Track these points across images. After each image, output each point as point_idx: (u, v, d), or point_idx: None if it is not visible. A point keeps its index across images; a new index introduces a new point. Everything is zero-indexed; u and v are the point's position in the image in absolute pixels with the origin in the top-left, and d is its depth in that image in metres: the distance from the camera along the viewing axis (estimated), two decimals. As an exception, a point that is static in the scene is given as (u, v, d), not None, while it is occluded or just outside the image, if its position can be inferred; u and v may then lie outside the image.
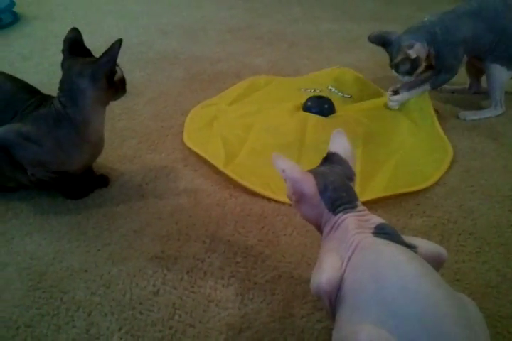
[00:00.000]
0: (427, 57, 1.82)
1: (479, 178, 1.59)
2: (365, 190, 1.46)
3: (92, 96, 1.28)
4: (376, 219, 0.97)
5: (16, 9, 2.92)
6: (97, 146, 1.40)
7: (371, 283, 0.82)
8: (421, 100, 1.91)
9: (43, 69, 2.24)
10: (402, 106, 1.88)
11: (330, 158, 1.04)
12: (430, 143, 1.73)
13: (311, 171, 1.00)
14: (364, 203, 1.02)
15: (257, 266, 1.23)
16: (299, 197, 0.99)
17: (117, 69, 1.30)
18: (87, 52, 1.34)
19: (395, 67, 1.82)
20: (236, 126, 1.78)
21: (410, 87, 1.89)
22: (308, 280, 1.17)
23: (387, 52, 1.85)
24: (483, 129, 1.86)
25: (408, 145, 1.70)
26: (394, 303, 0.77)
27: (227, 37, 2.76)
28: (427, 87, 1.89)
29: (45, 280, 1.18)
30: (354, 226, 0.94)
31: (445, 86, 2.11)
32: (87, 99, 1.27)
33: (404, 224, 1.39)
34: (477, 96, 2.08)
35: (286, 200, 1.43)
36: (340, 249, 0.93)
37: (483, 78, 1.98)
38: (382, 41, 1.84)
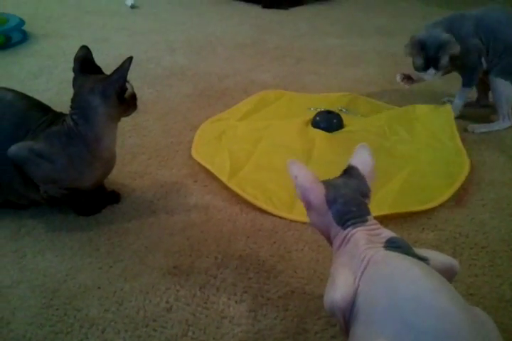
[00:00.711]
0: None
1: (489, 192, 1.59)
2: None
3: (104, 113, 1.29)
4: (387, 233, 0.97)
5: (25, 28, 2.95)
6: (109, 163, 1.41)
7: (386, 298, 0.81)
8: (443, 113, 1.90)
9: (52, 87, 2.26)
10: (424, 118, 1.89)
11: (349, 171, 1.03)
12: (447, 157, 1.71)
13: (324, 182, 1.00)
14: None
15: (269, 282, 1.23)
16: (307, 205, 1.00)
17: (128, 85, 1.32)
18: (98, 70, 1.36)
19: (435, 62, 1.83)
20: (244, 141, 1.79)
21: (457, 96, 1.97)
22: (321, 296, 1.17)
23: (422, 54, 1.84)
24: (492, 142, 1.87)
25: (423, 158, 1.69)
26: (410, 319, 0.76)
27: (234, 53, 2.78)
28: (467, 88, 1.95)
29: (58, 298, 1.18)
30: (364, 242, 0.93)
31: (453, 99, 2.12)
32: (98, 116, 1.28)
33: (416, 238, 1.38)
34: (485, 110, 2.09)
35: (288, 216, 1.45)
36: (352, 264, 0.92)
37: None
38: (419, 46, 1.84)
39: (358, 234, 0.95)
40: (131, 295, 1.19)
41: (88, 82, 1.29)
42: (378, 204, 1.47)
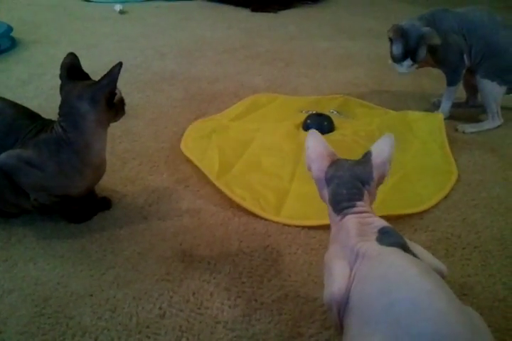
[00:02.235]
0: None
1: (481, 191, 1.59)
2: None
3: (93, 119, 1.27)
4: (379, 223, 0.97)
5: (13, 34, 2.94)
6: (99, 170, 1.40)
7: (381, 298, 0.80)
8: (434, 121, 1.90)
9: (42, 94, 2.25)
10: (414, 125, 1.90)
11: (364, 155, 1.04)
12: (435, 166, 1.70)
13: (334, 160, 1.03)
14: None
15: (263, 286, 1.23)
16: (312, 174, 1.04)
17: (116, 90, 1.31)
18: (85, 76, 1.34)
19: (413, 53, 1.84)
20: (234, 141, 1.80)
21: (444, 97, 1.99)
22: (315, 299, 1.18)
23: (401, 42, 1.84)
24: (483, 142, 1.88)
25: (411, 165, 1.68)
26: (405, 321, 0.75)
27: (224, 57, 2.78)
28: (452, 87, 1.96)
29: (50, 306, 1.17)
30: (356, 232, 0.94)
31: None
32: (87, 122, 1.27)
33: (409, 239, 1.36)
34: (475, 110, 2.10)
35: (275, 219, 1.45)
36: (345, 254, 0.93)
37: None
38: (401, 33, 1.84)
39: (350, 221, 0.96)
40: (124, 302, 1.18)
41: (76, 88, 1.28)
42: None
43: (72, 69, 1.32)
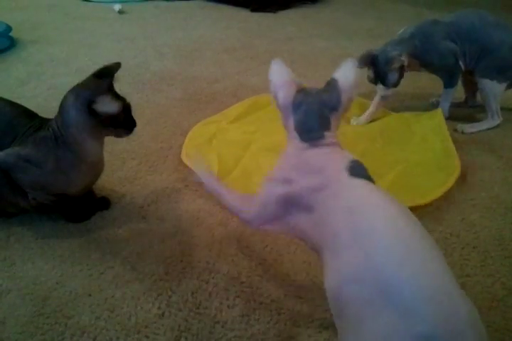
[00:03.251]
0: (410, 67, 1.89)
1: (480, 191, 1.59)
2: None
3: (74, 117, 1.25)
4: (347, 154, 0.99)
5: (12, 34, 2.94)
6: (96, 168, 1.40)
7: (348, 230, 0.84)
8: (434, 117, 1.92)
9: (40, 93, 2.25)
10: (415, 122, 1.91)
11: (329, 83, 1.04)
12: (437, 161, 1.70)
13: (300, 87, 1.04)
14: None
15: (261, 286, 1.23)
16: (277, 103, 1.05)
17: (105, 102, 1.24)
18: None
19: (383, 79, 1.87)
20: (233, 145, 1.79)
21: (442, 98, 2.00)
22: (313, 299, 1.18)
23: (372, 68, 1.89)
24: (482, 142, 1.88)
25: (413, 161, 1.69)
26: (370, 241, 0.79)
27: (223, 57, 2.78)
28: (449, 89, 1.97)
29: (48, 306, 1.17)
30: (325, 163, 0.97)
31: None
32: (70, 117, 1.25)
33: (408, 239, 1.38)
34: (474, 110, 2.11)
35: None
36: (291, 181, 0.98)
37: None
38: (369, 60, 1.88)
39: (320, 153, 0.98)
40: (123, 301, 1.18)
41: (83, 83, 1.28)
42: None
43: (105, 74, 1.29)
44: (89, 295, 1.20)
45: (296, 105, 1.01)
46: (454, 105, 2.11)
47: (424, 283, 0.73)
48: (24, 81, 2.40)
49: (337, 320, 0.83)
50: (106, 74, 1.28)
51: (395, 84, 1.88)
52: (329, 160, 0.98)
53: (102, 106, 1.23)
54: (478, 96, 2.03)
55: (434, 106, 2.10)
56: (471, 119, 2.03)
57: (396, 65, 1.82)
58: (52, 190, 1.35)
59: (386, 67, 1.83)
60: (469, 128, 1.95)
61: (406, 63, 1.84)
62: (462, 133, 1.94)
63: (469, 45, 1.85)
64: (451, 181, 1.58)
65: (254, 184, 1.57)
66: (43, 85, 2.34)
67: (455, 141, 1.81)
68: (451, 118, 2.00)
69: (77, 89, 1.26)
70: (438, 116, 1.92)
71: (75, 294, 1.20)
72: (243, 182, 1.59)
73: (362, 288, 0.76)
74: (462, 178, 1.64)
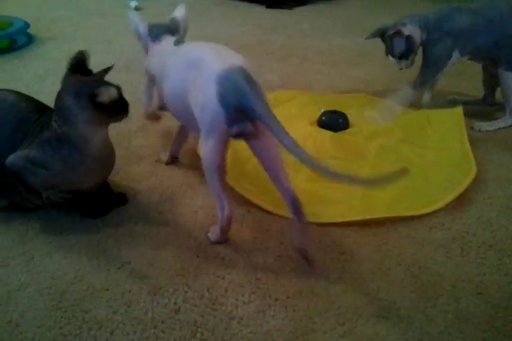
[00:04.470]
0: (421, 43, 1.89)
1: (496, 189, 1.58)
2: (363, 208, 1.46)
3: (77, 114, 1.25)
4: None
5: (30, 31, 2.97)
6: (105, 162, 1.40)
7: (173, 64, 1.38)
8: (454, 115, 1.89)
9: (57, 89, 2.24)
10: (434, 121, 1.89)
11: (171, 19, 1.64)
12: (453, 161, 1.68)
13: (150, 24, 1.63)
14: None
15: (277, 282, 1.23)
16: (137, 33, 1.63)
17: (110, 91, 1.25)
18: (89, 73, 1.33)
19: (390, 49, 1.87)
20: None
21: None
22: (329, 295, 1.18)
23: (384, 41, 1.90)
24: (498, 140, 1.86)
25: (428, 160, 1.67)
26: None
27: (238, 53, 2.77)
28: (409, 89, 1.97)
29: (66, 300, 1.19)
30: (165, 46, 1.51)
31: (459, 97, 2.12)
32: (73, 116, 1.25)
33: (424, 237, 1.38)
34: (491, 108, 2.09)
35: (283, 213, 1.44)
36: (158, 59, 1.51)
37: (498, 90, 1.98)
38: (380, 32, 1.90)
39: (164, 42, 1.54)
40: (139, 296, 1.19)
41: (67, 82, 1.28)
42: (375, 206, 1.47)
43: (78, 65, 1.31)
44: (107, 289, 1.21)
45: (149, 29, 1.60)
46: (471, 103, 2.10)
47: (216, 52, 1.28)
48: (42, 77, 2.42)
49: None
50: (80, 66, 1.31)
51: (403, 55, 1.87)
52: (167, 45, 1.52)
53: (103, 96, 1.24)
54: (497, 95, 2.01)
55: (452, 103, 2.09)
56: (488, 117, 2.02)
57: (391, 32, 1.83)
58: (63, 188, 1.36)
59: (388, 35, 1.85)
60: (487, 126, 1.93)
61: (414, 33, 1.83)
62: (479, 131, 1.92)
63: (495, 34, 1.80)
64: (464, 185, 1.56)
65: (265, 178, 1.58)
66: (59, 81, 2.34)
67: (472, 139, 1.80)
68: (468, 116, 1.98)
69: (71, 89, 1.25)
70: (458, 114, 1.89)
71: (92, 289, 1.22)
72: (254, 177, 1.59)
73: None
74: (479, 176, 1.62)
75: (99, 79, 1.27)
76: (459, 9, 1.85)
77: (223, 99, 1.16)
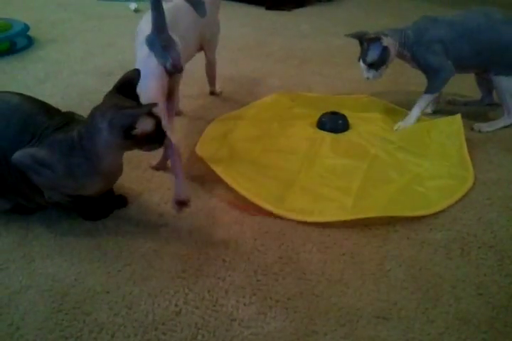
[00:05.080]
0: (402, 57, 1.91)
1: (496, 190, 1.59)
2: (357, 207, 1.46)
3: (106, 140, 1.24)
4: None
5: (30, 33, 2.97)
6: (112, 176, 1.40)
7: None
8: (453, 123, 1.87)
9: (58, 92, 2.27)
10: (433, 128, 1.87)
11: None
12: (450, 170, 1.66)
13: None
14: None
15: (277, 284, 1.23)
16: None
17: (141, 125, 1.22)
18: (134, 96, 1.30)
19: (365, 54, 1.87)
20: (247, 140, 1.83)
21: (417, 104, 1.93)
22: (329, 297, 1.18)
23: (361, 45, 1.91)
24: (498, 141, 1.87)
25: (425, 168, 1.66)
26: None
27: (238, 55, 2.79)
28: (427, 95, 1.92)
29: (67, 302, 1.19)
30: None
31: (458, 98, 2.13)
32: (100, 139, 1.25)
33: (424, 238, 1.38)
34: (490, 108, 2.09)
35: (274, 211, 1.46)
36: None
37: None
38: (361, 35, 1.90)
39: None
40: (140, 299, 1.19)
41: (108, 103, 1.26)
42: (371, 206, 1.48)
43: (126, 84, 1.29)
44: (107, 292, 1.21)
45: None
46: (470, 104, 2.10)
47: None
48: (42, 80, 2.42)
49: None
50: (128, 86, 1.28)
51: (372, 64, 1.86)
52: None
53: (137, 130, 1.22)
54: (495, 95, 2.02)
55: (451, 103, 2.10)
56: (487, 118, 2.02)
57: (371, 35, 1.83)
58: (66, 191, 1.36)
59: (367, 38, 1.85)
60: (486, 127, 1.94)
61: (391, 47, 1.84)
62: (479, 132, 1.92)
63: (476, 45, 1.82)
64: (459, 194, 1.55)
65: (262, 175, 1.62)
66: (60, 84, 2.36)
67: (471, 140, 1.81)
68: (467, 117, 1.98)
69: (109, 114, 1.22)
70: (456, 122, 1.86)
71: (93, 291, 1.22)
72: (251, 174, 1.62)
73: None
74: (479, 177, 1.63)
75: (140, 111, 1.23)
76: (434, 21, 1.87)
77: None
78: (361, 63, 1.90)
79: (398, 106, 2.12)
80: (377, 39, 1.82)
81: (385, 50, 1.83)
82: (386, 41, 1.82)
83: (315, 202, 1.49)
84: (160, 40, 1.45)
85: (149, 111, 1.23)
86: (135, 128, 1.21)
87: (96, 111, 1.26)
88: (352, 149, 1.75)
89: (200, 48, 1.99)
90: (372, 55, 1.84)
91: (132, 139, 1.23)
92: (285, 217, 1.45)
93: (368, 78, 1.90)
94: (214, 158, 1.69)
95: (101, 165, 1.30)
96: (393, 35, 1.85)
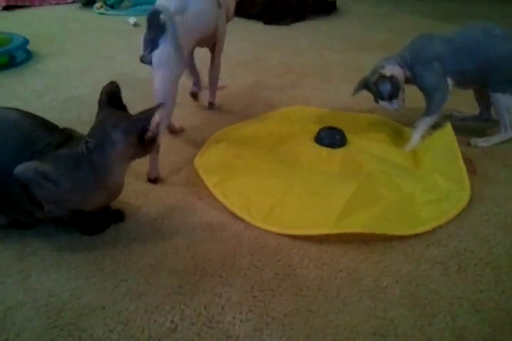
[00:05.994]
0: (407, 81, 1.90)
1: (493, 206, 1.59)
2: (341, 222, 1.45)
3: (120, 149, 1.28)
4: None
5: (29, 47, 2.99)
6: (115, 192, 1.41)
7: None
8: (444, 136, 1.84)
9: (57, 105, 2.28)
10: (428, 143, 1.86)
11: None
12: (446, 188, 1.62)
13: None
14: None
15: (274, 300, 1.23)
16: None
17: (153, 129, 1.30)
18: (123, 107, 1.37)
19: (377, 93, 1.87)
20: (243, 152, 1.85)
21: (417, 129, 1.92)
22: (326, 314, 1.18)
23: (370, 90, 1.91)
24: (495, 156, 1.87)
25: (420, 186, 1.63)
26: None
27: (236, 70, 2.80)
28: (426, 119, 1.91)
29: (62, 318, 1.18)
30: None
31: (456, 113, 2.14)
32: (114, 151, 1.28)
33: (421, 254, 1.38)
34: (487, 124, 2.10)
35: (261, 225, 1.48)
36: None
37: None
38: (364, 83, 1.92)
39: None
40: (136, 315, 1.19)
41: (113, 116, 1.30)
42: (354, 222, 1.45)
43: (112, 97, 1.34)
44: (103, 308, 1.21)
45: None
46: (468, 119, 2.11)
47: None
48: (41, 93, 2.43)
49: None
50: (114, 99, 1.35)
51: (391, 96, 1.85)
52: None
53: (150, 133, 1.30)
54: (493, 111, 2.03)
55: (448, 118, 2.11)
56: (484, 133, 2.03)
57: (374, 78, 1.84)
58: (67, 206, 1.36)
59: (372, 81, 1.85)
60: (482, 142, 1.95)
61: (395, 72, 1.84)
62: (475, 147, 1.93)
63: (474, 61, 1.82)
64: (450, 215, 1.53)
65: (253, 189, 1.63)
66: (59, 97, 2.37)
67: (468, 155, 1.81)
68: (464, 132, 1.99)
69: (121, 124, 1.28)
70: (448, 132, 1.81)
71: (88, 307, 1.21)
72: (243, 188, 1.63)
73: None
74: (475, 193, 1.63)
75: (151, 113, 1.28)
76: (429, 38, 1.88)
77: None
78: (380, 102, 1.89)
79: (398, 122, 2.13)
80: (379, 78, 1.83)
81: (392, 79, 1.83)
82: (387, 71, 1.83)
83: (300, 215, 1.50)
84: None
85: (154, 111, 1.29)
86: (148, 130, 1.28)
87: (102, 126, 1.30)
88: (346, 165, 1.75)
89: (208, 44, 2.13)
90: (385, 90, 1.84)
91: (144, 143, 1.30)
92: (268, 230, 1.46)
93: (396, 110, 1.90)
94: (210, 171, 1.71)
95: (107, 178, 1.32)
96: (390, 62, 1.87)
